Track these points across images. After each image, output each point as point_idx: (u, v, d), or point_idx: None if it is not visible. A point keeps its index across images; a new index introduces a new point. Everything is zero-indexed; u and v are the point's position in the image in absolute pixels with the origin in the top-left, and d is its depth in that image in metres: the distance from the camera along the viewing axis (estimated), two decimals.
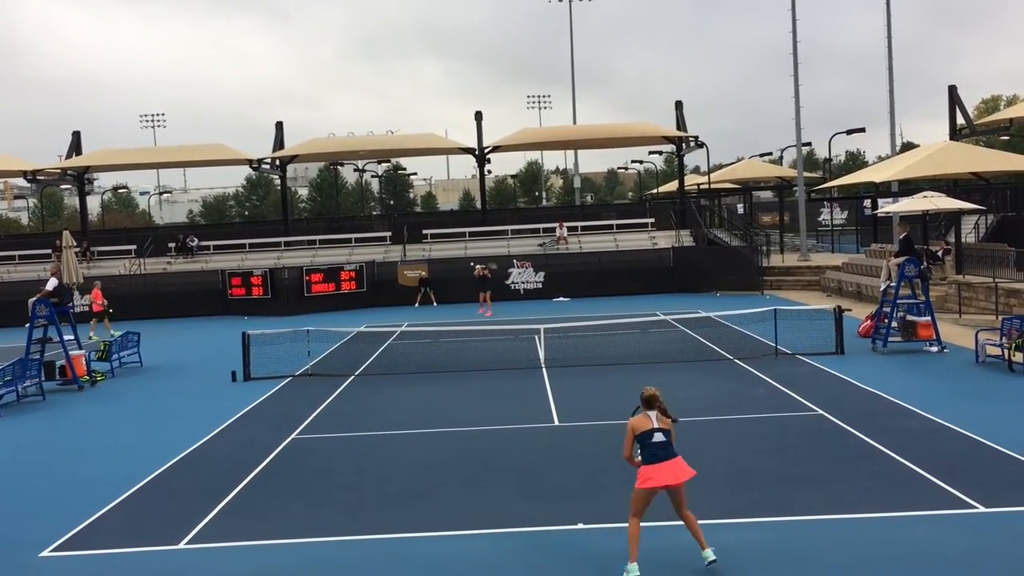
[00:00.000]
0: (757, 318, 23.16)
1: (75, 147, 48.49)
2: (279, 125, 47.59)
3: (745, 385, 17.73)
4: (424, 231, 44.64)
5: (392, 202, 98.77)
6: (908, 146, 67.34)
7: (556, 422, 15.29)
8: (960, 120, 40.88)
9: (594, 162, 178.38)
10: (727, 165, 75.02)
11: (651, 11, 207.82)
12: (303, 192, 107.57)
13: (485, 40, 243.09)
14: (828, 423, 14.25)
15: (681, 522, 8.68)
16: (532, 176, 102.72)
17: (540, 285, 39.06)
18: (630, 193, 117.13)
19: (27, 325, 21.11)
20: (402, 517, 10.54)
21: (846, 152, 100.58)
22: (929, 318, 20.75)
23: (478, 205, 62.57)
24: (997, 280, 25.78)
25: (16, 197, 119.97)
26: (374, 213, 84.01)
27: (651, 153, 65.34)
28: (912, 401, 15.35)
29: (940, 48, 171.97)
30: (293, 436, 14.94)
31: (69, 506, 11.49)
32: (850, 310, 23.98)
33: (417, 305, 37.44)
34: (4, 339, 28.81)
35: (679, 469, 8.55)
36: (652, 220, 44.64)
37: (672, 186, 60.54)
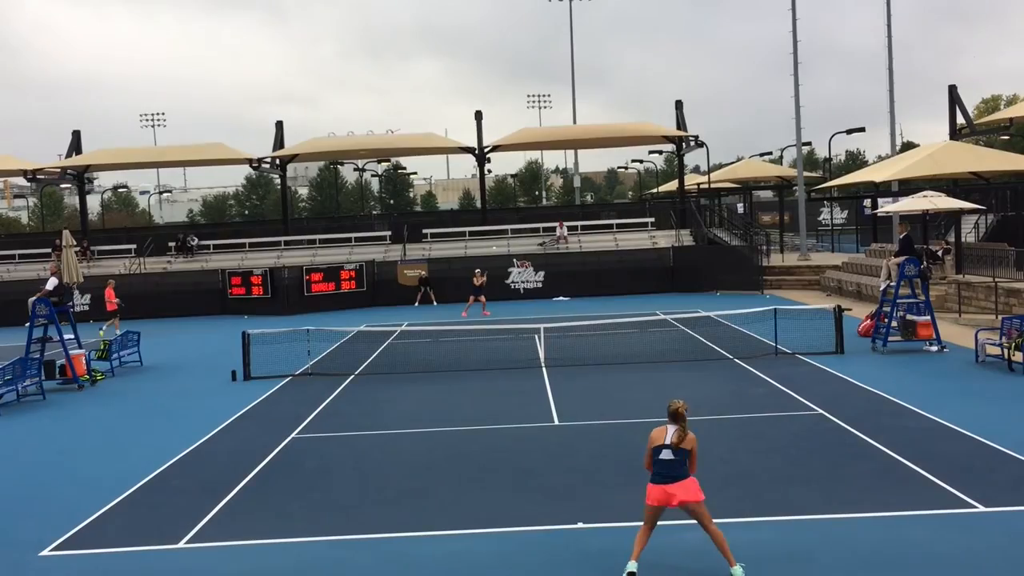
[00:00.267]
0: (757, 318, 23.18)
1: (75, 146, 48.46)
2: (279, 124, 47.58)
3: (745, 385, 17.74)
4: (424, 231, 44.63)
5: (392, 201, 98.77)
6: (908, 146, 67.25)
7: (556, 421, 15.30)
8: (960, 120, 40.82)
9: (594, 162, 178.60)
10: (727, 165, 75.11)
11: (651, 10, 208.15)
12: (303, 191, 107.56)
13: (485, 40, 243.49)
14: (828, 422, 14.26)
15: (681, 522, 8.67)
16: (532, 176, 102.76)
17: (540, 285, 39.04)
18: (630, 193, 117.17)
19: (27, 324, 21.11)
20: (402, 516, 10.54)
21: (846, 152, 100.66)
22: (929, 317, 20.76)
23: (478, 204, 62.54)
24: (997, 280, 25.80)
25: (16, 196, 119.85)
26: (374, 212, 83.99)
27: (651, 153, 65.33)
28: (912, 401, 15.36)
29: (940, 48, 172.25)
30: (293, 436, 14.94)
31: (69, 505, 11.50)
32: (850, 309, 24.00)
33: (417, 304, 37.44)
34: (4, 338, 28.79)
35: (675, 492, 8.24)
36: (652, 220, 44.69)
37: (672, 186, 60.60)
